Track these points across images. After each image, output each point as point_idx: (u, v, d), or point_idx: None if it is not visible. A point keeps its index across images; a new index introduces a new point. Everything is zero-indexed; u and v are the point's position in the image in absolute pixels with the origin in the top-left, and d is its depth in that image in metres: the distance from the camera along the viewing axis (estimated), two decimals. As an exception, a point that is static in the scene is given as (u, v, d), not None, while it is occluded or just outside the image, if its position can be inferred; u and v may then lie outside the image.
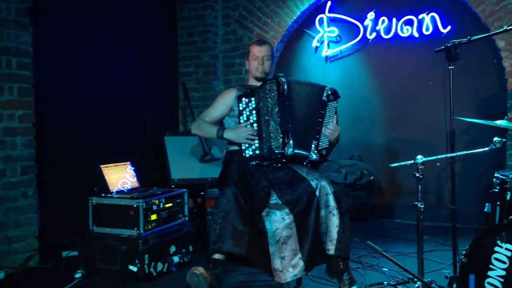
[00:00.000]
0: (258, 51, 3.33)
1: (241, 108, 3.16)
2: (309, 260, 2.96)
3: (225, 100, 3.34)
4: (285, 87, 3.11)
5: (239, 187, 2.91)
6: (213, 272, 2.79)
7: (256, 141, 3.10)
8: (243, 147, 3.12)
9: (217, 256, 2.84)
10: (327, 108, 3.18)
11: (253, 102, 3.14)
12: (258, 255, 2.88)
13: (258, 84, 3.30)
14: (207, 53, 5.66)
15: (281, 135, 3.07)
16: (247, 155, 3.11)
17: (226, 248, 2.79)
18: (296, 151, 3.09)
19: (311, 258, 2.97)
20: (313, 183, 3.01)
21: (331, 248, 2.92)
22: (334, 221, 2.93)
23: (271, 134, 3.08)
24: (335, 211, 2.94)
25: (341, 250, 2.93)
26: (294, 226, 3.00)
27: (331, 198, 2.96)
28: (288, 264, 2.95)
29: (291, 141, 3.07)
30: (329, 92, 3.20)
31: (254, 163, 3.12)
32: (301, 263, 2.95)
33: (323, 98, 3.18)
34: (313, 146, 3.15)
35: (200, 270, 2.76)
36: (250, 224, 2.87)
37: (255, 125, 3.12)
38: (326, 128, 3.17)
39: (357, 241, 4.28)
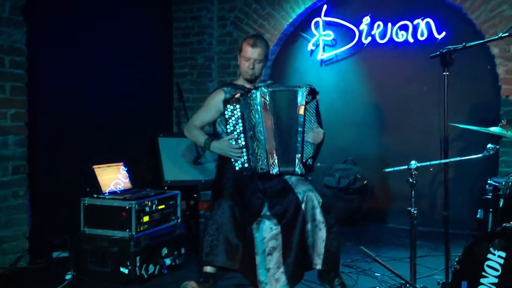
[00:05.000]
0: (250, 53, 3.18)
1: (227, 116, 3.06)
2: (292, 274, 2.93)
3: (215, 104, 3.25)
4: (268, 98, 3.02)
5: (235, 199, 2.88)
6: (205, 286, 2.77)
7: (244, 154, 3.04)
8: (232, 160, 3.07)
9: (208, 269, 2.83)
10: (306, 112, 3.04)
11: (238, 110, 3.03)
12: (247, 266, 2.87)
13: (247, 85, 3.24)
14: (202, 54, 5.65)
15: (265, 155, 3.01)
16: (237, 168, 3.06)
17: (219, 262, 2.78)
18: (282, 169, 3.04)
19: (294, 273, 2.94)
20: (300, 196, 2.96)
21: (318, 263, 2.90)
22: (321, 236, 2.89)
23: (256, 153, 3.01)
24: (322, 226, 2.90)
25: (328, 264, 2.91)
26: (280, 237, 2.96)
27: (317, 212, 2.91)
28: (272, 277, 2.93)
29: (276, 161, 3.02)
30: (306, 93, 3.03)
31: (244, 173, 3.07)
32: (283, 278, 2.92)
33: (300, 103, 3.03)
34: (297, 160, 3.03)
35: (192, 284, 2.75)
36: (243, 236, 2.84)
37: (241, 135, 3.04)
38: (308, 135, 3.04)
39: (349, 245, 4.28)
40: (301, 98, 3.03)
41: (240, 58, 3.26)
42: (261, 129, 3.02)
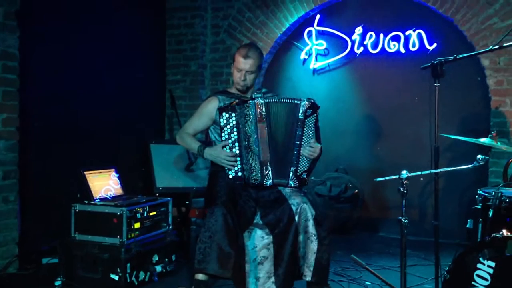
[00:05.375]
0: (242, 64, 3.14)
1: (222, 124, 3.04)
2: (282, 285, 2.92)
3: (208, 112, 3.24)
4: (263, 109, 3.00)
5: (228, 207, 2.86)
6: None
7: (238, 162, 3.03)
8: (226, 168, 3.06)
9: (200, 277, 2.82)
10: (305, 126, 3.01)
11: (233, 118, 3.01)
12: (238, 274, 2.87)
13: (242, 94, 3.24)
14: (195, 61, 5.66)
15: (259, 167, 3.01)
16: (230, 176, 3.05)
17: (211, 270, 2.76)
18: (275, 181, 3.04)
19: (284, 283, 2.93)
20: (294, 207, 2.95)
21: (308, 275, 2.89)
22: (313, 248, 2.88)
23: (250, 164, 3.01)
24: (313, 238, 2.89)
25: (318, 277, 2.90)
26: (272, 247, 2.96)
27: (310, 224, 2.90)
28: (262, 286, 2.92)
29: (270, 173, 3.01)
30: (306, 107, 2.99)
31: (238, 182, 3.06)
32: None
33: (300, 116, 3.00)
34: (291, 173, 3.02)
35: None
36: (235, 244, 2.84)
37: (236, 144, 3.03)
38: (305, 149, 3.01)
39: (340, 254, 4.29)
40: (301, 112, 2.99)
41: (233, 67, 3.25)
42: (256, 140, 3.01)
